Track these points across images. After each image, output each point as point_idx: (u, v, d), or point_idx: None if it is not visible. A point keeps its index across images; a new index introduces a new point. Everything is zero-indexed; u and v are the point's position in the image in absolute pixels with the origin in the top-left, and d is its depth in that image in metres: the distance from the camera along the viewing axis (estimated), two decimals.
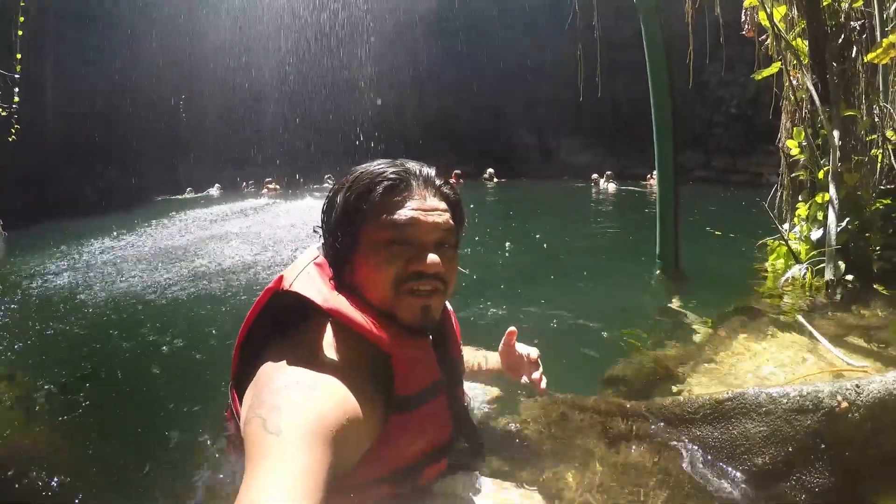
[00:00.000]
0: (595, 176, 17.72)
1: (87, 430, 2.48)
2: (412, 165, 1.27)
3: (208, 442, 1.99)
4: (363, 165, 1.27)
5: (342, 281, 1.24)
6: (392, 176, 1.22)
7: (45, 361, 3.40)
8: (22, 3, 9.55)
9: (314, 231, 1.35)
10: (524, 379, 1.73)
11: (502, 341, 1.78)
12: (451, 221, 1.26)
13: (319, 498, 0.89)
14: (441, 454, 1.34)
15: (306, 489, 0.88)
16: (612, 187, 16.84)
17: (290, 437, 0.94)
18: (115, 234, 8.82)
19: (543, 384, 1.70)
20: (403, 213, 1.19)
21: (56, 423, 2.51)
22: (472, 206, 10.27)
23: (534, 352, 1.74)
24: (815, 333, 2.36)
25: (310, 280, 1.19)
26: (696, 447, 1.56)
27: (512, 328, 1.76)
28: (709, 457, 1.51)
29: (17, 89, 9.21)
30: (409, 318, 1.20)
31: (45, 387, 2.90)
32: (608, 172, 17.61)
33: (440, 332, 1.36)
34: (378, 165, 1.25)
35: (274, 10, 20.09)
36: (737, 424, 1.50)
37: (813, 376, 2.00)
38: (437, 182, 1.28)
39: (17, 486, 1.93)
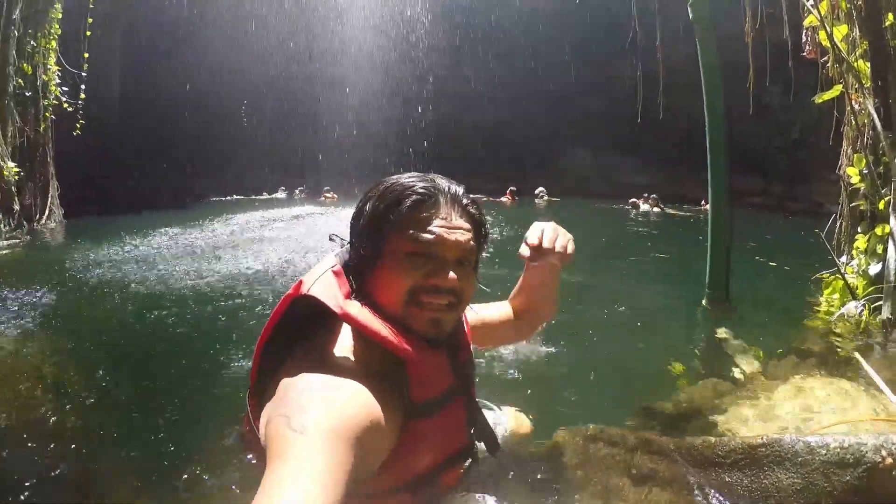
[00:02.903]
0: (634, 200, 16.92)
1: (111, 420, 2.58)
2: (441, 182, 1.29)
3: (234, 442, 2.00)
4: (394, 177, 1.30)
5: (361, 288, 1.26)
6: (421, 190, 1.24)
7: (86, 347, 3.58)
8: (91, 6, 10.04)
9: (330, 239, 1.39)
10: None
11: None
12: (472, 241, 1.27)
13: (340, 497, 0.89)
14: (458, 460, 1.36)
15: (327, 487, 0.88)
16: (655, 211, 15.94)
17: (313, 435, 0.95)
18: (169, 230, 9.08)
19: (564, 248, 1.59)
20: (429, 229, 1.21)
21: (85, 409, 2.62)
22: (516, 226, 10.24)
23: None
24: (871, 373, 2.20)
25: (326, 287, 1.21)
26: (724, 495, 1.45)
27: None
28: None
29: (83, 86, 9.73)
30: (421, 328, 1.22)
31: (82, 373, 3.06)
32: (653, 196, 16.87)
33: (451, 336, 1.35)
34: (408, 178, 1.27)
35: (337, 22, 20.53)
36: (769, 473, 1.39)
37: (862, 422, 1.85)
38: (464, 201, 1.29)
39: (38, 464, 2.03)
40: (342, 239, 1.37)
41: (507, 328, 1.77)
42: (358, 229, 1.28)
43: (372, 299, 1.23)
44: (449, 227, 1.23)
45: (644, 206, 16.32)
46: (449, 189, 1.28)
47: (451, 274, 1.21)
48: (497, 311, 1.74)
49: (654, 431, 2.16)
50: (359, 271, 1.27)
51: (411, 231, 1.21)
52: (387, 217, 1.23)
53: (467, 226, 1.27)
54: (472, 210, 1.30)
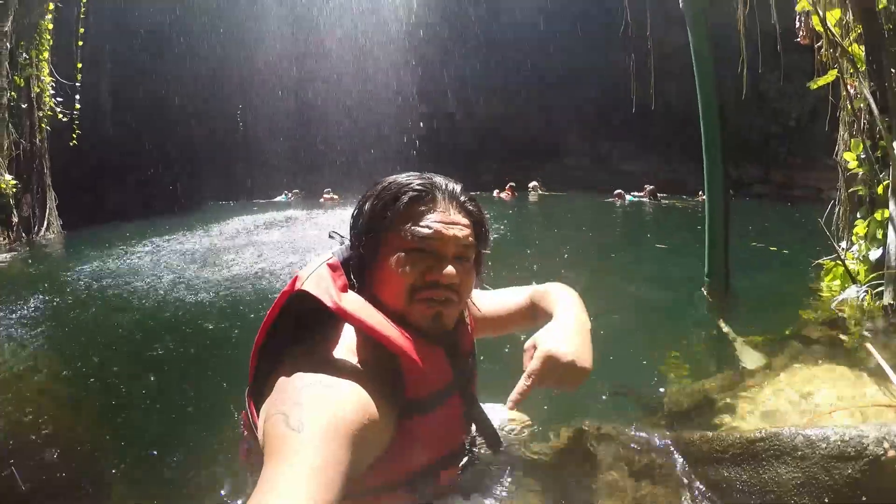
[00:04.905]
0: (619, 191, 16.26)
1: (112, 425, 2.60)
2: (438, 179, 1.30)
3: (231, 443, 2.02)
4: (392, 176, 1.31)
5: (362, 284, 1.28)
6: (418, 187, 1.26)
7: (86, 354, 3.58)
8: (82, 17, 10.06)
9: (330, 236, 1.42)
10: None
11: None
12: (471, 238, 1.28)
13: (335, 494, 0.89)
14: (457, 458, 1.36)
15: (323, 485, 0.88)
16: (645, 201, 15.69)
17: (310, 433, 0.95)
18: (166, 237, 9.07)
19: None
20: (426, 224, 1.22)
21: (86, 414, 2.66)
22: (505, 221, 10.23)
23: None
24: (882, 363, 2.14)
25: (319, 281, 1.20)
26: (722, 490, 1.42)
27: None
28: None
29: (77, 97, 9.76)
30: (421, 323, 1.23)
31: (83, 380, 3.09)
32: (647, 187, 16.36)
33: (452, 331, 1.34)
34: (406, 177, 1.29)
35: (327, 22, 20.48)
36: (768, 468, 1.36)
37: (868, 409, 1.81)
38: (462, 198, 1.31)
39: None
40: (342, 236, 1.39)
41: (521, 320, 1.61)
42: (357, 229, 1.29)
43: (375, 295, 1.24)
44: (446, 223, 1.24)
45: (628, 198, 16.08)
46: (446, 186, 1.29)
47: (450, 268, 1.21)
48: (509, 301, 1.62)
49: (653, 427, 2.13)
50: (359, 270, 1.28)
51: (409, 226, 1.22)
52: (384, 215, 1.24)
53: (465, 221, 1.28)
54: (471, 206, 1.31)
